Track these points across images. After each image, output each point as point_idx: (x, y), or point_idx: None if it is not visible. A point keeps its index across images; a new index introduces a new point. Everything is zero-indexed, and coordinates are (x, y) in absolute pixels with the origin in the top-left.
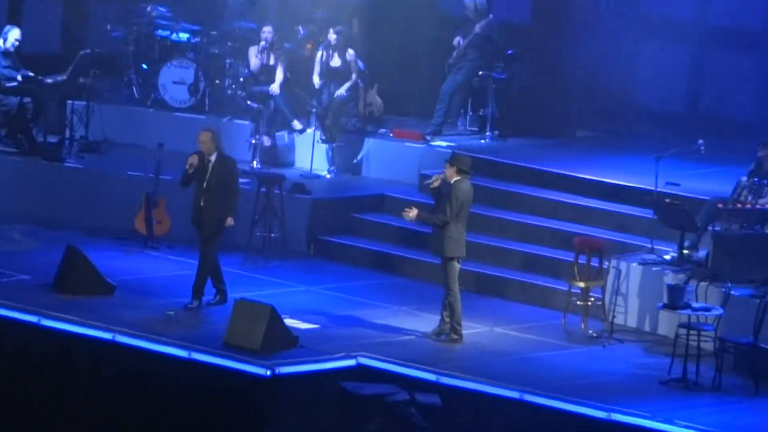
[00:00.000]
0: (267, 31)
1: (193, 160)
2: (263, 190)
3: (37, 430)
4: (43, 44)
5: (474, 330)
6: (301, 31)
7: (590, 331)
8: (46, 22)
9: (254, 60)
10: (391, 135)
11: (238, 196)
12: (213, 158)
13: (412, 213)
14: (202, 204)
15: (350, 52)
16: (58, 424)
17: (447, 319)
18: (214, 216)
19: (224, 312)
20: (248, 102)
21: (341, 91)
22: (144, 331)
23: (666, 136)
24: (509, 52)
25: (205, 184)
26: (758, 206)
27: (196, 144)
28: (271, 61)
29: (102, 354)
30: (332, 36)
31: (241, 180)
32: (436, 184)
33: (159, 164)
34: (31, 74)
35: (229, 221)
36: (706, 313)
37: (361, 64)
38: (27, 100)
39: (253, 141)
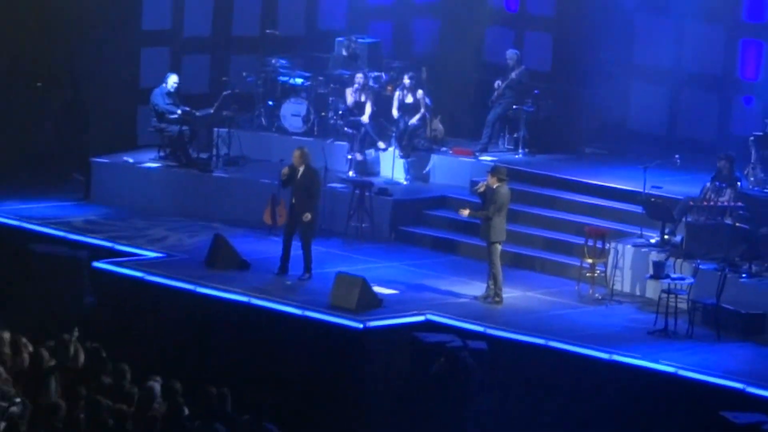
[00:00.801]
0: (359, 77)
1: (285, 170)
2: (357, 192)
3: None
4: (196, 86)
5: (511, 294)
6: (384, 77)
7: (596, 295)
8: (198, 70)
9: (350, 98)
10: (450, 152)
11: (318, 199)
12: (301, 169)
13: (465, 211)
14: (293, 202)
15: (420, 92)
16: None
17: (491, 287)
18: (302, 212)
19: (327, 282)
20: (345, 128)
21: (413, 120)
22: (270, 295)
23: (651, 152)
24: (536, 92)
25: (294, 188)
26: (719, 203)
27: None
28: (362, 99)
29: (240, 313)
30: (407, 80)
31: (339, 185)
32: (481, 189)
33: (280, 174)
34: (187, 109)
35: (306, 216)
36: (681, 282)
37: (428, 100)
38: (185, 128)
39: (349, 156)
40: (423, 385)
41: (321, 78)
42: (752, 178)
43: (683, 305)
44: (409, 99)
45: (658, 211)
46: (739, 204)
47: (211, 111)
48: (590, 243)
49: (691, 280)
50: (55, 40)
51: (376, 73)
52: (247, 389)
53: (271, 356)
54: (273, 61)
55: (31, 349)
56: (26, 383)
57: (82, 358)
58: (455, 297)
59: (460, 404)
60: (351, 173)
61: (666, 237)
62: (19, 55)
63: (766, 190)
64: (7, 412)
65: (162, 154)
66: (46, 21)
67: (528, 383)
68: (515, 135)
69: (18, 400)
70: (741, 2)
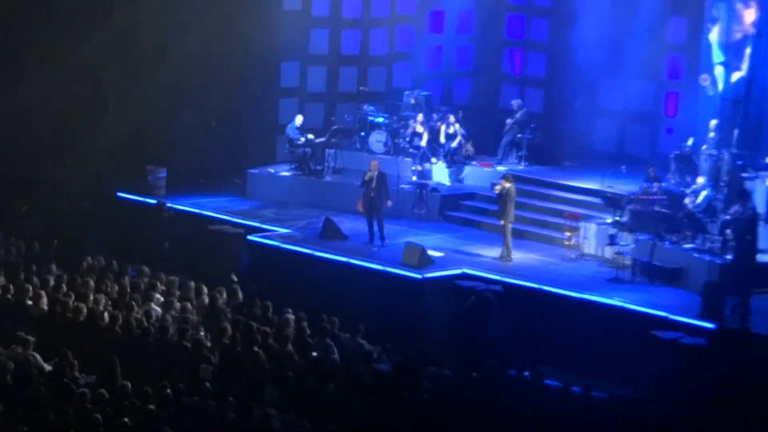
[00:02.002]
0: (419, 117)
1: (367, 175)
2: (418, 190)
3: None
4: (314, 123)
5: (517, 256)
6: (435, 116)
7: (572, 256)
8: (316, 112)
9: (414, 129)
10: (477, 164)
11: (388, 192)
12: (375, 174)
13: (498, 187)
14: (372, 195)
15: (457, 125)
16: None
17: (505, 251)
18: (377, 202)
19: (399, 248)
20: (410, 150)
21: (454, 144)
22: (362, 257)
23: (607, 164)
24: (533, 126)
25: (373, 186)
26: (651, 197)
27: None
28: (421, 130)
29: (343, 269)
30: (452, 118)
31: (406, 186)
32: (497, 189)
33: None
34: (309, 137)
35: (389, 203)
36: (627, 247)
37: (463, 131)
38: (307, 150)
39: (413, 168)
40: (461, 315)
41: (395, 117)
42: (672, 180)
43: (628, 262)
44: (451, 130)
45: (612, 202)
46: (664, 197)
47: (324, 139)
48: (568, 222)
49: (633, 246)
50: (225, 93)
51: (431, 114)
52: (348, 317)
53: (362, 296)
54: (364, 107)
55: (206, 292)
56: (206, 316)
57: (240, 296)
58: (481, 257)
59: (484, 327)
60: (414, 178)
61: (617, 219)
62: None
63: (680, 188)
64: (193, 336)
65: (292, 166)
66: (220, 83)
67: (527, 312)
68: (519, 153)
69: (201, 328)
70: (663, 67)
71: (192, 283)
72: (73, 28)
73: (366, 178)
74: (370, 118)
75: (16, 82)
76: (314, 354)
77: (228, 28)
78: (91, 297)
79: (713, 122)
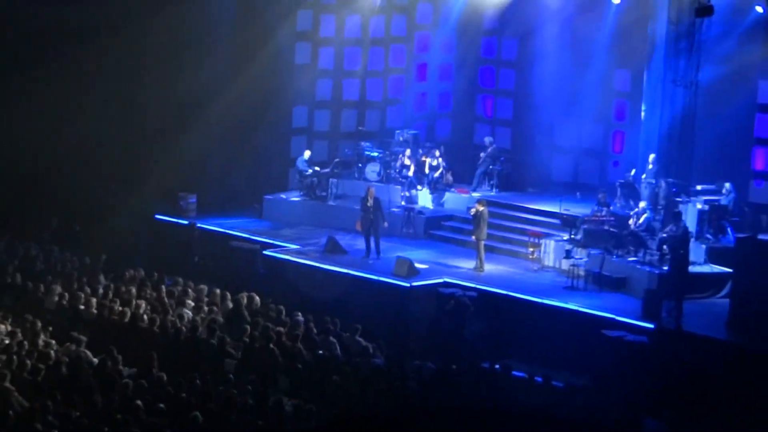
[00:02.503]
0: (408, 152)
1: (366, 200)
2: (406, 213)
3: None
4: (320, 156)
5: (488, 267)
6: (421, 152)
7: (534, 268)
8: (321, 148)
9: (402, 162)
10: (455, 191)
11: (384, 214)
12: (371, 199)
13: (473, 210)
14: (371, 218)
15: (440, 159)
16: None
17: (478, 263)
18: (375, 222)
19: (391, 261)
20: (400, 179)
21: (436, 174)
22: (359, 268)
23: (563, 191)
24: (502, 159)
25: (370, 209)
26: (600, 218)
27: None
28: (408, 162)
29: (342, 278)
30: (437, 153)
31: (396, 209)
32: (472, 212)
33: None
34: (315, 168)
35: (385, 224)
36: (580, 260)
37: (444, 163)
38: (314, 179)
39: (402, 194)
40: (442, 317)
41: (387, 152)
42: (618, 204)
43: (582, 273)
44: (434, 162)
45: (568, 222)
46: (611, 218)
47: (328, 170)
48: (531, 239)
49: (586, 259)
50: (246, 132)
51: (418, 149)
52: (347, 319)
53: (359, 301)
54: (362, 143)
55: (230, 298)
56: (229, 319)
57: (258, 302)
58: (459, 269)
59: (461, 326)
60: (403, 203)
61: (572, 236)
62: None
63: (625, 211)
64: (219, 335)
65: (301, 193)
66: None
67: (498, 314)
68: (491, 182)
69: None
70: (611, 110)
71: (218, 291)
72: (127, 76)
73: (365, 203)
74: (367, 152)
75: (77, 120)
76: (320, 350)
77: (250, 78)
78: (133, 302)
79: (652, 156)
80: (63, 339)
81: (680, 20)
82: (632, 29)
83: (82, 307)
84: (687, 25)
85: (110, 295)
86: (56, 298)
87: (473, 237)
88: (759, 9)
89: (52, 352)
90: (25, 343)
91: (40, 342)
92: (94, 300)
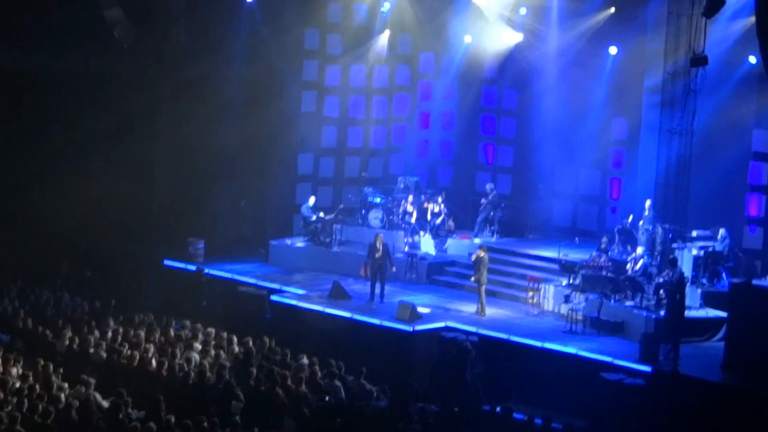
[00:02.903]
0: (410, 198)
1: (375, 246)
2: (409, 258)
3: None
4: (324, 202)
5: (490, 311)
6: (423, 198)
7: (535, 312)
8: (325, 194)
9: (405, 208)
10: (457, 237)
11: (392, 260)
12: (380, 245)
13: (474, 256)
14: (379, 262)
15: (441, 205)
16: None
17: (479, 307)
18: (383, 267)
19: (393, 306)
20: (403, 225)
21: (438, 220)
22: (363, 313)
23: (562, 237)
24: (503, 205)
25: (378, 255)
26: (599, 264)
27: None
28: (411, 209)
29: (347, 323)
30: (439, 199)
31: (399, 255)
32: (474, 257)
33: (369, 248)
34: (320, 214)
35: (393, 269)
36: (579, 305)
37: (446, 209)
38: (318, 225)
39: (405, 239)
40: (444, 360)
41: (390, 198)
42: (616, 250)
43: (580, 317)
44: (436, 209)
45: (567, 268)
46: (609, 264)
47: (332, 216)
48: (531, 284)
49: (584, 303)
50: (253, 178)
51: (420, 196)
52: (351, 362)
53: (363, 345)
54: (365, 189)
55: (236, 341)
56: (236, 362)
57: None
58: (461, 313)
59: (463, 369)
60: (406, 248)
61: (571, 281)
62: (235, 188)
63: (622, 256)
64: (225, 378)
65: (306, 238)
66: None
67: (498, 358)
68: (492, 228)
69: (232, 372)
70: (608, 158)
71: (225, 334)
72: (138, 125)
73: (374, 249)
74: (370, 198)
75: (87, 168)
76: (324, 393)
77: (257, 126)
78: (142, 346)
79: (648, 202)
80: (73, 382)
81: (676, 70)
82: (628, 79)
83: (91, 350)
84: (682, 74)
85: (119, 338)
86: (66, 342)
87: (472, 279)
88: (752, 59)
89: (62, 395)
90: (36, 386)
91: (51, 385)
92: (103, 343)
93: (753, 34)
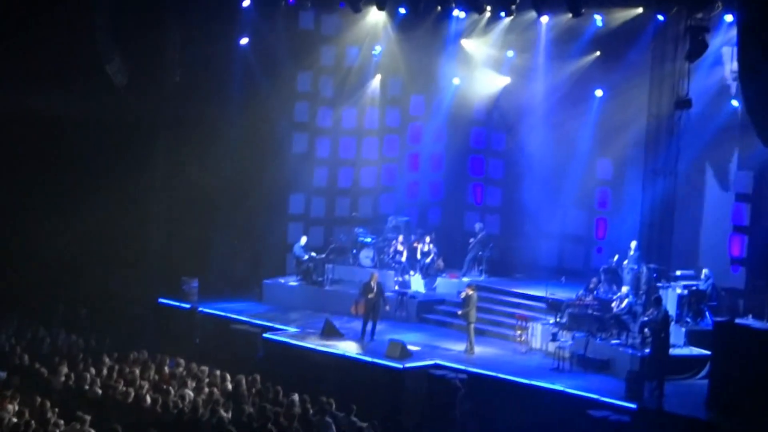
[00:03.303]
0: (400, 238)
1: (366, 286)
2: (399, 297)
3: None
4: (316, 242)
5: (478, 350)
6: (413, 238)
7: (522, 350)
8: (317, 234)
9: (395, 248)
10: (447, 276)
11: (386, 299)
12: (375, 284)
13: (460, 313)
14: (373, 301)
15: (431, 245)
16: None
17: (468, 345)
18: (376, 306)
19: (384, 344)
20: (393, 264)
21: (428, 260)
22: (352, 351)
23: (549, 276)
24: (491, 245)
25: (372, 294)
26: (585, 302)
27: (369, 278)
28: (401, 248)
29: (339, 360)
30: (428, 239)
31: (390, 293)
32: (463, 295)
33: (361, 288)
34: (312, 254)
35: (387, 308)
36: (566, 343)
37: (435, 249)
38: (311, 264)
39: (395, 278)
40: (433, 398)
41: (381, 238)
42: (601, 289)
43: (567, 355)
44: (426, 248)
45: (553, 306)
46: (595, 302)
47: (324, 255)
48: (519, 323)
49: (571, 342)
50: (246, 218)
51: (410, 236)
52: (342, 399)
53: (354, 382)
54: (356, 229)
55: (229, 379)
56: (229, 399)
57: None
58: (450, 351)
59: (452, 407)
60: (396, 287)
61: (558, 320)
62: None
63: (608, 295)
64: (219, 414)
65: (298, 278)
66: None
67: (487, 395)
68: (480, 267)
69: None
70: (594, 198)
71: (218, 372)
72: (134, 165)
73: (367, 287)
74: (361, 238)
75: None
76: (316, 430)
77: (250, 167)
78: (137, 383)
79: (633, 243)
80: (69, 418)
81: (660, 112)
82: (614, 120)
83: (87, 387)
84: (666, 116)
85: (114, 375)
86: (62, 379)
87: (459, 313)
88: (734, 103)
89: (57, 431)
90: (32, 422)
91: (47, 421)
92: (99, 380)
93: (735, 78)
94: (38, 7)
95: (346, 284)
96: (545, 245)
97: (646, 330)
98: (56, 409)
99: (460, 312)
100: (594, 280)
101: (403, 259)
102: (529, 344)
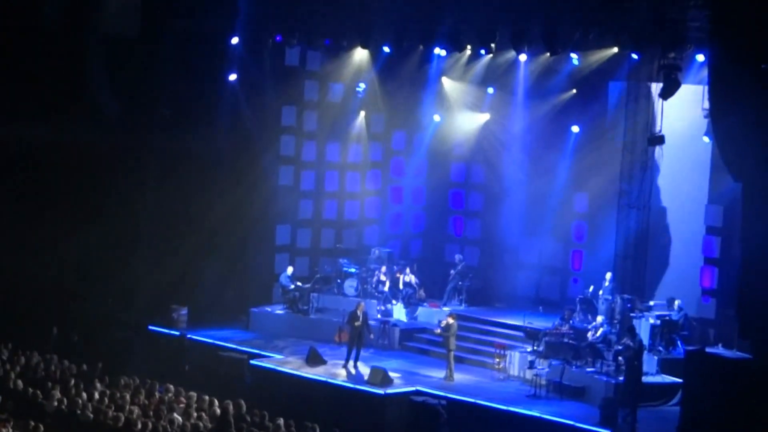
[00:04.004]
0: (383, 269)
1: (353, 315)
2: (382, 325)
3: None
4: (302, 272)
5: (458, 377)
6: (395, 268)
7: (500, 377)
8: (303, 264)
9: (379, 278)
10: (428, 305)
11: (370, 327)
12: (361, 313)
13: (438, 331)
14: (359, 329)
15: (412, 276)
16: None
17: (448, 372)
18: (361, 334)
19: (366, 370)
20: (376, 294)
21: (409, 289)
22: (337, 377)
23: (527, 305)
24: (470, 275)
25: (358, 323)
26: (561, 331)
27: (355, 307)
28: (384, 278)
29: (322, 387)
30: (408, 270)
31: (373, 322)
32: (444, 324)
33: (344, 316)
34: (298, 284)
35: (372, 336)
36: (543, 370)
37: (417, 280)
38: (296, 293)
39: (378, 308)
40: (417, 422)
41: (364, 268)
42: (577, 318)
43: (544, 382)
44: (408, 278)
45: (531, 335)
46: (571, 332)
47: (309, 285)
48: (497, 351)
49: (548, 369)
50: (233, 249)
51: (393, 266)
52: (326, 424)
53: (337, 407)
54: (340, 260)
55: (217, 404)
56: (217, 423)
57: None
58: (430, 378)
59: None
60: (379, 316)
61: (535, 348)
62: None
63: (584, 324)
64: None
65: (284, 306)
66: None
67: (465, 421)
68: (460, 297)
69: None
70: (571, 231)
71: (206, 397)
72: (126, 196)
73: (354, 316)
74: (345, 268)
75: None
76: None
77: (238, 197)
78: (127, 408)
79: (608, 274)
80: None
81: (634, 148)
82: (589, 155)
83: (79, 411)
84: (640, 152)
85: (106, 400)
86: (55, 403)
87: (444, 347)
88: (706, 139)
89: None
90: None
91: None
92: (90, 405)
93: (707, 115)
94: (33, 43)
95: (331, 313)
96: (523, 276)
97: (620, 358)
98: None
99: (437, 330)
100: (568, 310)
101: (386, 288)
102: (507, 371)
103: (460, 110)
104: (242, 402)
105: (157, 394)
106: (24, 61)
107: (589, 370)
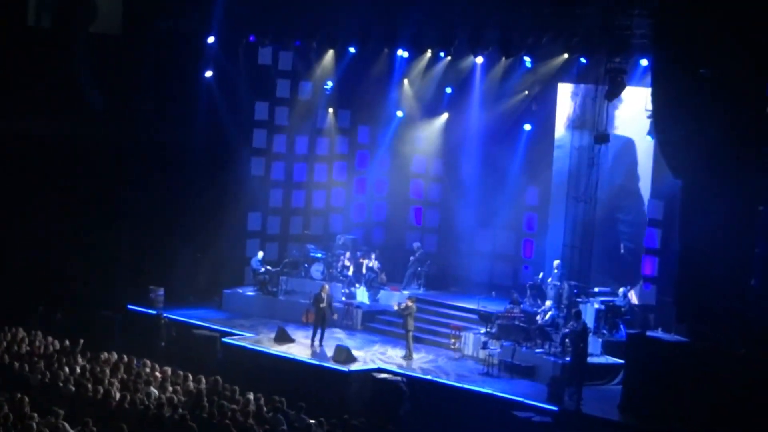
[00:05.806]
0: (347, 254)
1: (317, 297)
2: (346, 307)
3: None
4: (272, 257)
5: (416, 356)
6: (359, 254)
7: (456, 356)
8: (273, 249)
9: (343, 263)
10: (389, 289)
11: (333, 308)
12: (325, 295)
13: (395, 307)
14: (323, 310)
15: (375, 261)
16: None
17: (407, 352)
18: (326, 315)
19: (331, 349)
20: (341, 277)
21: (372, 273)
22: (302, 355)
23: (481, 291)
24: (429, 262)
25: (322, 304)
26: (512, 315)
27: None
28: (348, 263)
29: (289, 363)
30: (373, 256)
31: (337, 304)
32: (404, 306)
33: (310, 297)
34: (268, 268)
35: (335, 316)
36: (495, 350)
37: (379, 264)
38: (266, 276)
39: (342, 290)
40: (379, 398)
41: (330, 254)
42: (528, 303)
43: (496, 362)
44: (371, 264)
45: (484, 318)
46: (522, 315)
47: (278, 269)
48: (453, 332)
49: (500, 350)
50: (208, 234)
51: (356, 252)
52: (293, 398)
53: (303, 383)
54: (307, 246)
55: (192, 379)
56: (190, 397)
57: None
58: (390, 357)
59: (397, 406)
60: (344, 298)
61: (488, 330)
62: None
63: (533, 308)
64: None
65: (255, 288)
66: (205, 227)
67: (424, 398)
68: (419, 281)
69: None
70: (522, 221)
71: (181, 372)
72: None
73: (319, 298)
74: (312, 253)
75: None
76: (269, 425)
77: (213, 186)
78: (107, 381)
79: (556, 262)
80: (44, 413)
81: (581, 145)
82: (540, 152)
83: (60, 384)
84: (587, 149)
85: (87, 374)
86: (39, 377)
87: (403, 328)
88: (648, 138)
89: (33, 424)
90: (11, 415)
91: (24, 415)
92: (72, 378)
93: (650, 116)
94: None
95: (298, 295)
96: (478, 263)
97: (567, 340)
98: (32, 404)
99: (395, 306)
100: (514, 295)
101: (350, 273)
102: (462, 351)
103: (421, 108)
104: (218, 377)
105: (134, 369)
106: (13, 58)
107: (538, 350)
